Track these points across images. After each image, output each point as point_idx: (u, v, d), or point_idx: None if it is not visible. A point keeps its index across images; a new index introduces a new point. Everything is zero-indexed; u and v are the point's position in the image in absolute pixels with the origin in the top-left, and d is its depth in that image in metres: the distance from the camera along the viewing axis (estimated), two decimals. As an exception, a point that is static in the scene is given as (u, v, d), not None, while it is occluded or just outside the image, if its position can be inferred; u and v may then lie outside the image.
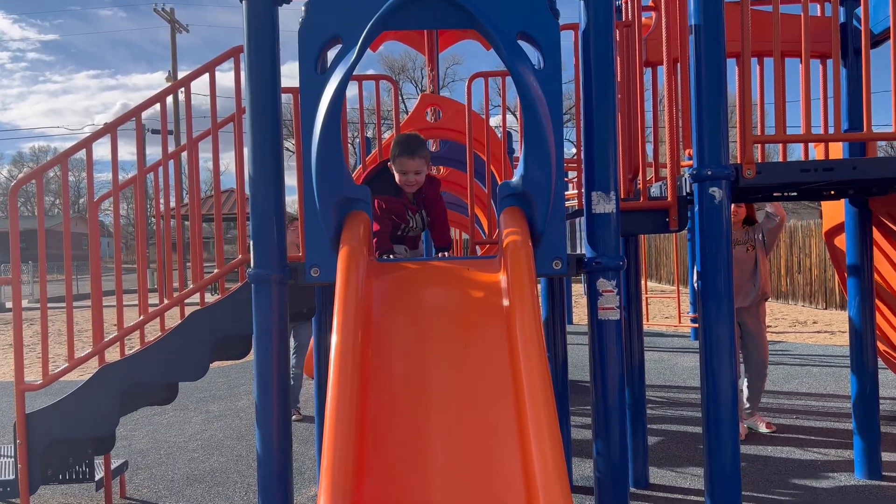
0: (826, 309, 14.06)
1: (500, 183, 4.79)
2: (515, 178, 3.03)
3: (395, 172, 3.34)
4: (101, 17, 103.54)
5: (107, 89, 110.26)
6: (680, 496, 4.18)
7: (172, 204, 3.94)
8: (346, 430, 2.19)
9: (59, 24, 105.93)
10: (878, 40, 4.02)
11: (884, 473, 4.37)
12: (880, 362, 5.25)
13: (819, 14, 4.33)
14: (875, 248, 4.64)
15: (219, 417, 6.58)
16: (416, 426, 2.37)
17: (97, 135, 3.53)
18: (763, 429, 5.33)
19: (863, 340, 4.34)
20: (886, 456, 4.57)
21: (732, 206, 4.35)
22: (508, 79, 4.57)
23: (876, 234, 4.65)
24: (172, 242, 3.85)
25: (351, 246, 2.70)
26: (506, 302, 2.66)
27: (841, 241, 4.92)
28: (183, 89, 3.63)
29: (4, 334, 14.62)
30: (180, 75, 31.75)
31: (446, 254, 3.59)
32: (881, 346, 5.81)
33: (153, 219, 4.02)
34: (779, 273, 15.69)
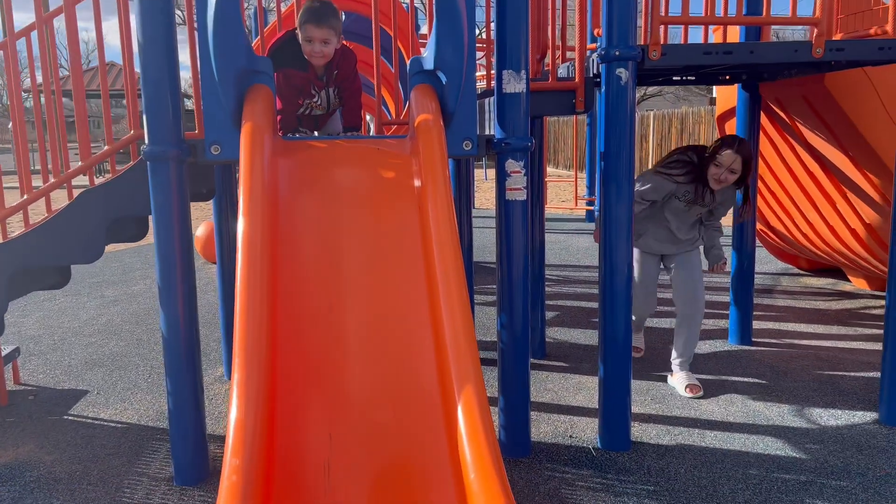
0: (709, 192, 14.89)
1: (407, 61, 4.64)
2: (426, 55, 2.95)
3: (301, 42, 3.15)
4: None
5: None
6: (573, 363, 4.47)
7: (49, 76, 3.59)
8: (258, 309, 2.18)
9: None
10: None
11: (754, 339, 4.82)
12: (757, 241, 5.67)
13: None
14: (761, 133, 4.90)
15: (114, 302, 6.38)
16: (328, 304, 2.39)
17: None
18: (684, 392, 3.93)
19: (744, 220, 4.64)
20: (756, 324, 5.03)
21: (729, 164, 3.68)
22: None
23: (763, 119, 4.89)
24: (48, 119, 3.54)
25: (254, 122, 2.59)
26: (417, 182, 2.65)
27: (731, 126, 5.14)
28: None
29: None
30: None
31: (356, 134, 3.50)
32: (758, 226, 6.27)
33: (27, 93, 3.66)
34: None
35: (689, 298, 4.02)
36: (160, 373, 4.44)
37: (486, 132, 3.62)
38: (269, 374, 2.12)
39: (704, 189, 3.82)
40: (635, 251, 4.07)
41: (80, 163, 3.35)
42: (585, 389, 4.03)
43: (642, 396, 3.91)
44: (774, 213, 5.98)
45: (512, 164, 3.01)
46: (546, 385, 4.12)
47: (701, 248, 4.15)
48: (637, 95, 5.16)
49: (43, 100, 3.48)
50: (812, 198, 5.27)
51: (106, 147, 3.33)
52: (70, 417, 3.77)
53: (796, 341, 4.86)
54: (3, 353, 4.01)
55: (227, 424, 1.95)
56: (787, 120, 4.78)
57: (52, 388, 4.24)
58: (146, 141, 2.78)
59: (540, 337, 4.66)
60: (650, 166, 19.14)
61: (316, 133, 3.60)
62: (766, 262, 7.39)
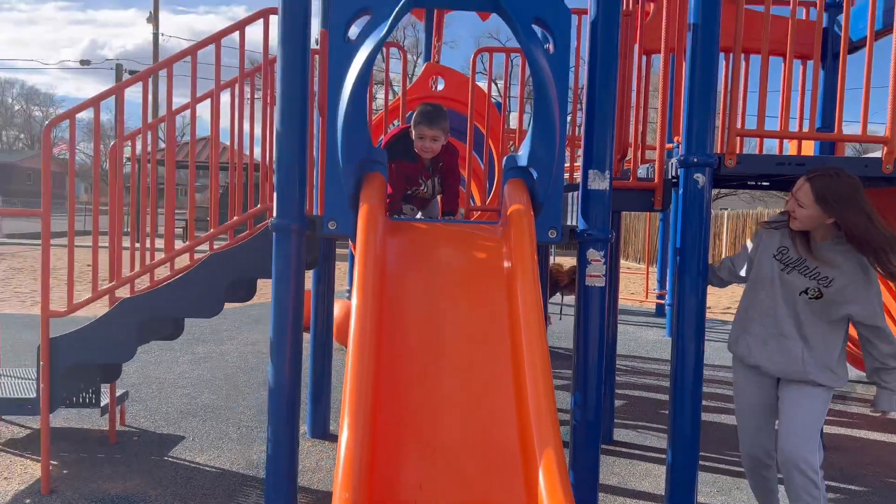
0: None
1: (495, 157, 5.06)
2: (521, 152, 3.32)
3: (414, 139, 3.58)
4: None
5: (75, 23, 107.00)
6: (640, 452, 4.58)
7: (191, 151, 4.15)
8: (366, 373, 2.47)
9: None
10: (855, 47, 4.34)
11: (825, 444, 4.81)
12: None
13: (804, 17, 4.65)
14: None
15: (205, 359, 6.84)
16: (424, 370, 2.69)
17: (129, 82, 3.71)
18: None
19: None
20: (828, 429, 5.03)
21: (794, 191, 2.98)
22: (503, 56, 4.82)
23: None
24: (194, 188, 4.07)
25: (371, 204, 2.97)
26: (507, 263, 2.97)
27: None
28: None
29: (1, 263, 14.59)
30: (161, 15, 31.00)
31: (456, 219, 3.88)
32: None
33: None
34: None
35: (781, 451, 2.94)
36: (248, 426, 4.78)
37: (569, 222, 3.93)
38: (372, 430, 2.40)
39: (795, 235, 3.00)
40: (734, 362, 3.27)
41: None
42: (651, 477, 4.13)
43: (708, 487, 3.99)
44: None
45: (593, 254, 3.30)
46: (613, 469, 4.24)
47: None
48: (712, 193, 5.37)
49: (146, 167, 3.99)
50: (886, 306, 5.31)
51: (235, 217, 3.79)
52: (170, 459, 4.12)
53: (869, 449, 4.83)
54: (116, 396, 4.43)
55: (336, 471, 2.22)
56: (860, 228, 4.92)
57: (152, 431, 4.62)
58: (275, 214, 3.20)
59: (609, 423, 4.80)
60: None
61: (419, 213, 3.98)
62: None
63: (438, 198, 3.96)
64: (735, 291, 14.83)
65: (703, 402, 5.83)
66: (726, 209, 21.22)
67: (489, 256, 3.06)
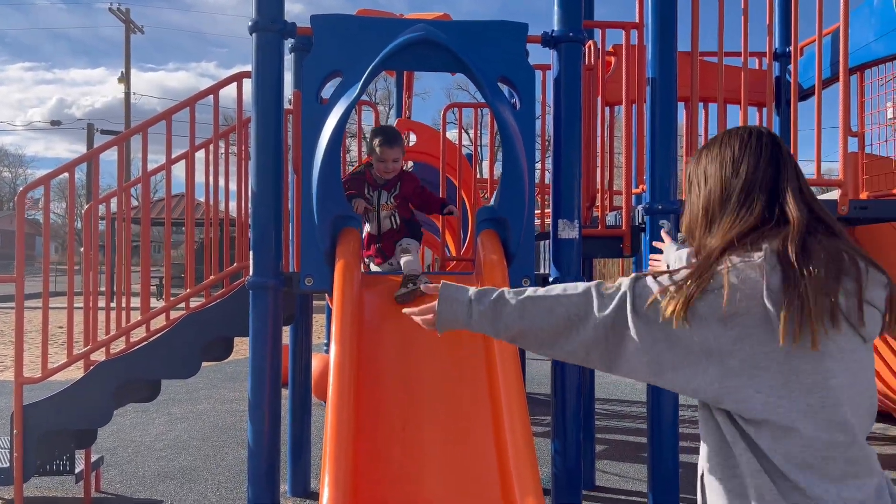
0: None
1: (468, 208, 5.15)
2: (492, 205, 3.41)
3: (374, 162, 3.61)
4: (37, 7, 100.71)
5: (42, 82, 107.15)
6: (623, 497, 4.59)
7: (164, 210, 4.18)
8: (345, 429, 2.49)
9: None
10: (806, 94, 4.55)
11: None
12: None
13: (757, 67, 4.87)
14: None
15: (181, 419, 6.73)
16: (403, 422, 2.71)
17: (104, 147, 3.77)
18: None
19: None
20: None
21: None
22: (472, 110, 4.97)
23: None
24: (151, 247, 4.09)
25: (346, 260, 3.03)
26: (483, 314, 3.03)
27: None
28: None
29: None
30: (131, 75, 31.25)
31: (453, 208, 3.92)
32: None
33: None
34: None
35: None
36: (227, 486, 4.70)
37: (542, 270, 4.01)
38: (354, 487, 2.41)
39: None
40: None
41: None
42: (634, 521, 4.14)
43: (691, 530, 4.00)
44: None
45: (566, 302, 3.37)
46: (596, 515, 4.24)
47: None
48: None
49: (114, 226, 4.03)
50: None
51: (212, 276, 3.82)
52: (147, 525, 4.04)
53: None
54: (91, 461, 4.34)
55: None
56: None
57: (129, 496, 4.53)
58: (251, 272, 3.24)
59: (590, 468, 4.81)
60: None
61: (383, 265, 3.90)
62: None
63: (415, 251, 3.97)
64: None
65: (685, 443, 5.88)
66: (697, 250, 21.58)
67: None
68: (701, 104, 4.55)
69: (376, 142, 3.57)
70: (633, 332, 1.33)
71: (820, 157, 3.62)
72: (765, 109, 4.54)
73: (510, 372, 2.68)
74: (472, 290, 1.52)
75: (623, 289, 1.36)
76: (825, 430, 1.27)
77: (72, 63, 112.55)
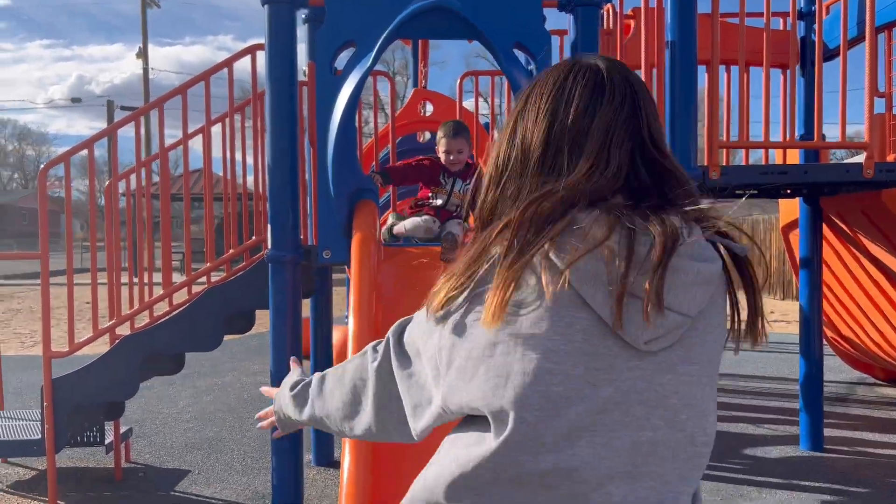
0: (784, 300, 14.74)
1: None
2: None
3: (440, 153, 3.64)
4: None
5: (61, 59, 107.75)
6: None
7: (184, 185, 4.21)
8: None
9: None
10: (831, 55, 4.44)
11: (825, 446, 4.85)
12: (827, 348, 5.75)
13: (781, 28, 4.75)
14: (825, 244, 5.11)
15: (207, 392, 6.85)
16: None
17: (122, 122, 3.79)
18: None
19: (811, 328, 4.80)
20: (828, 431, 5.06)
21: None
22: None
23: (826, 232, 5.11)
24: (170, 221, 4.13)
25: (364, 232, 3.03)
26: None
27: (795, 237, 5.37)
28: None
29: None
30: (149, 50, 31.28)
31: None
32: (829, 334, 6.34)
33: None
34: (739, 264, 16.38)
35: None
36: (253, 457, 4.79)
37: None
38: (373, 454, 2.44)
39: None
40: None
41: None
42: None
43: (711, 496, 4.01)
44: (845, 322, 6.06)
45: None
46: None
47: None
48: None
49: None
50: (879, 307, 5.37)
51: (231, 250, 3.85)
52: (176, 494, 4.14)
53: (870, 450, 4.86)
54: (121, 433, 4.44)
55: (340, 500, 2.25)
56: (848, 231, 4.99)
57: (157, 466, 4.64)
58: (269, 246, 3.25)
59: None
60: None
61: (437, 225, 3.87)
62: (840, 370, 7.34)
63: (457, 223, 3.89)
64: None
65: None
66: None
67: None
68: (723, 67, 4.45)
69: (440, 133, 3.66)
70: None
71: (845, 119, 3.54)
72: (788, 71, 4.44)
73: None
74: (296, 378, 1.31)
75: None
76: None
77: (90, 39, 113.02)
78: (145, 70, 29.87)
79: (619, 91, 1.00)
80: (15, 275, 23.38)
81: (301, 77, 3.60)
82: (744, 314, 0.99)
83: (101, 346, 4.04)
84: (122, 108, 29.73)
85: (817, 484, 4.19)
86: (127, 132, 4.06)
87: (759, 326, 0.99)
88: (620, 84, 1.00)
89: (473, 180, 1.04)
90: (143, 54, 30.28)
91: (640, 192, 0.97)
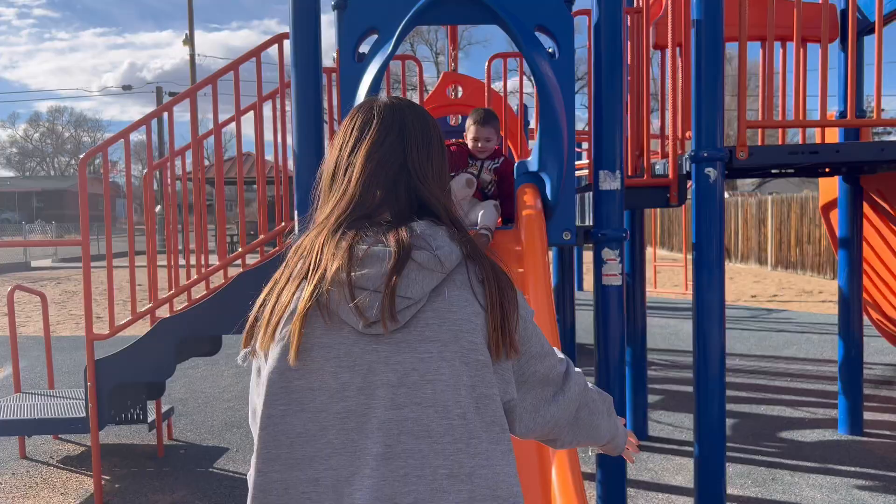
0: (833, 279, 14.34)
1: (515, 157, 5.12)
2: (531, 158, 3.39)
3: (469, 140, 3.66)
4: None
5: (114, 47, 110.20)
6: (675, 446, 4.59)
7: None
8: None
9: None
10: (871, 28, 4.28)
11: (865, 430, 4.75)
12: (870, 328, 5.60)
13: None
14: (865, 223, 4.97)
15: (248, 373, 7.00)
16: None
17: (155, 114, 3.90)
18: None
19: (850, 308, 4.69)
20: (869, 415, 4.95)
21: None
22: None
23: (868, 210, 4.97)
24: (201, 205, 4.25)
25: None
26: (520, 270, 3.04)
27: (835, 216, 5.23)
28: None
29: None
30: (195, 35, 31.74)
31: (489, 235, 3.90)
32: (873, 315, 6.17)
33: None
34: (789, 243, 15.96)
35: None
36: (289, 435, 4.93)
37: (588, 223, 3.97)
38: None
39: None
40: None
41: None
42: (685, 471, 4.14)
43: (742, 479, 3.98)
44: (890, 303, 5.89)
45: (608, 253, 3.34)
46: (647, 465, 4.26)
47: None
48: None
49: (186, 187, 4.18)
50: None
51: (262, 235, 3.95)
52: (215, 470, 4.30)
53: (912, 434, 4.74)
54: (162, 412, 4.63)
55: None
56: (890, 210, 4.84)
57: (198, 444, 4.81)
58: (296, 232, 3.32)
59: (642, 418, 4.81)
60: (769, 251, 18.16)
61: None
62: (886, 352, 7.15)
63: (493, 206, 3.89)
64: (781, 277, 14.55)
65: (736, 393, 5.80)
66: (773, 193, 20.78)
67: (504, 261, 3.13)
68: (757, 44, 4.34)
69: (470, 120, 3.67)
70: None
71: (880, 99, 3.43)
72: (827, 46, 4.29)
73: (546, 325, 2.70)
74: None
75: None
76: None
77: (140, 27, 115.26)
78: (192, 56, 30.41)
79: (385, 128, 1.18)
80: (73, 258, 24.18)
81: (331, 64, 3.66)
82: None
83: (145, 327, 4.21)
84: (170, 94, 30.40)
85: (853, 468, 4.11)
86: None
87: (500, 345, 1.12)
88: (388, 121, 1.18)
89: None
90: (189, 40, 30.81)
91: (400, 212, 1.15)
